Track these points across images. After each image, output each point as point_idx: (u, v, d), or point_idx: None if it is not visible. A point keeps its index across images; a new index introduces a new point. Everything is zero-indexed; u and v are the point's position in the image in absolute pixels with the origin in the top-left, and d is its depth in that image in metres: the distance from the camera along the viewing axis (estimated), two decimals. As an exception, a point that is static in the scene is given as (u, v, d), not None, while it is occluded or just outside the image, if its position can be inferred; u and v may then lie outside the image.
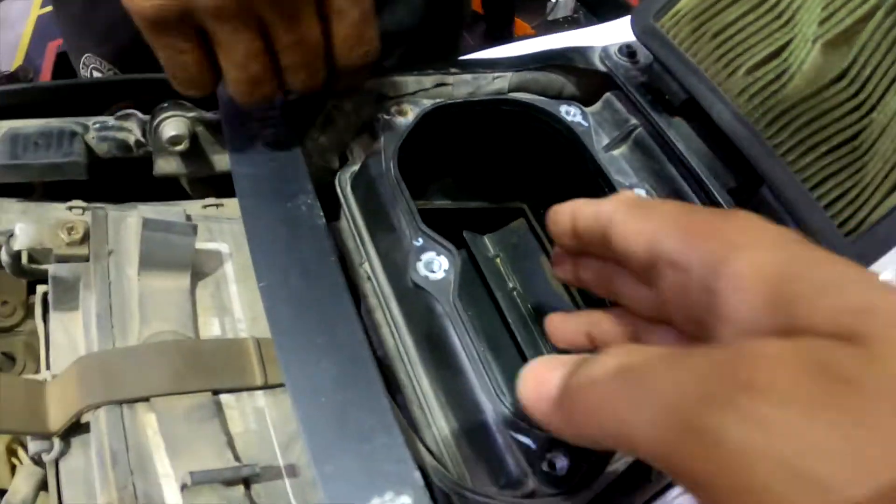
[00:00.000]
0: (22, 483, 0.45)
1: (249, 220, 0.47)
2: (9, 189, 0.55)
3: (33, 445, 0.44)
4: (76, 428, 0.44)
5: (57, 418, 0.43)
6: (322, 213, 0.48)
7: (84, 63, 0.76)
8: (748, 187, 0.50)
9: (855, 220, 0.47)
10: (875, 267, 0.48)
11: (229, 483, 0.41)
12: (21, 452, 0.47)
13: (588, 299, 0.65)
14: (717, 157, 0.52)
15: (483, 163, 0.61)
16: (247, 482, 0.41)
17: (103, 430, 0.41)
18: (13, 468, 0.47)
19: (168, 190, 0.60)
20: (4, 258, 0.48)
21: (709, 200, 0.51)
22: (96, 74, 0.75)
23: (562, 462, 0.43)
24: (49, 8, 2.99)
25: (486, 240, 0.66)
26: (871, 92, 0.49)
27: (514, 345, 0.62)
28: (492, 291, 0.62)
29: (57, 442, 0.43)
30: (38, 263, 0.50)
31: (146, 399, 0.42)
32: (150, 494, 0.40)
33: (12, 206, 0.54)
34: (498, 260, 0.65)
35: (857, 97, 0.49)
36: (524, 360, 0.63)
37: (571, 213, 0.33)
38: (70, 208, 0.55)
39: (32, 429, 0.43)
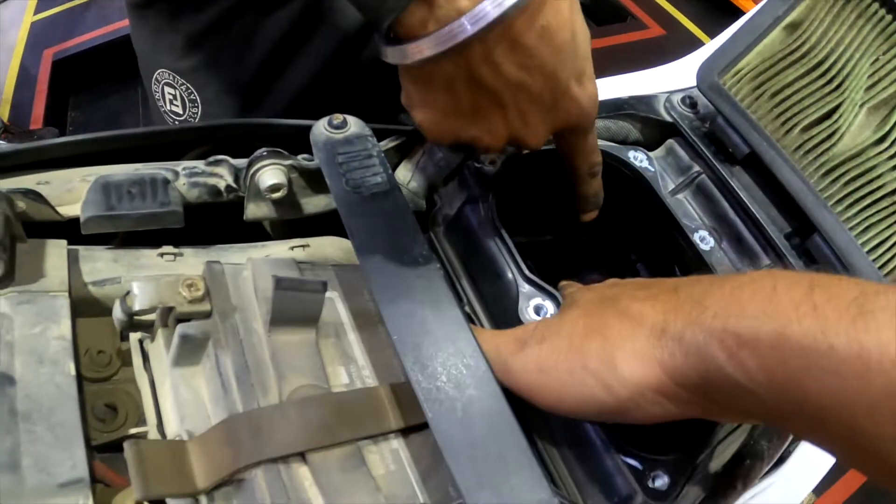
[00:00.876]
0: None
1: (374, 274, 0.51)
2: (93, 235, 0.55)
3: (173, 502, 0.47)
4: (220, 484, 0.47)
5: (205, 477, 0.46)
6: (439, 266, 0.53)
7: (157, 79, 0.74)
8: (802, 233, 0.60)
9: (893, 262, 0.59)
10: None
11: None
12: (147, 507, 0.50)
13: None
14: (775, 206, 0.61)
15: (551, 199, 0.67)
16: (398, 522, 0.47)
17: (264, 487, 0.45)
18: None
19: (245, 229, 0.62)
20: (120, 316, 0.50)
21: (767, 244, 0.60)
22: (168, 90, 0.73)
23: (662, 479, 0.52)
24: (44, 14, 2.72)
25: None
26: (908, 153, 0.59)
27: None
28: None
29: (204, 500, 0.47)
30: (145, 314, 0.52)
31: (302, 454, 0.47)
32: None
33: (102, 254, 0.55)
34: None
35: (896, 158, 0.60)
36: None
37: None
38: (162, 255, 0.56)
39: (181, 490, 0.46)
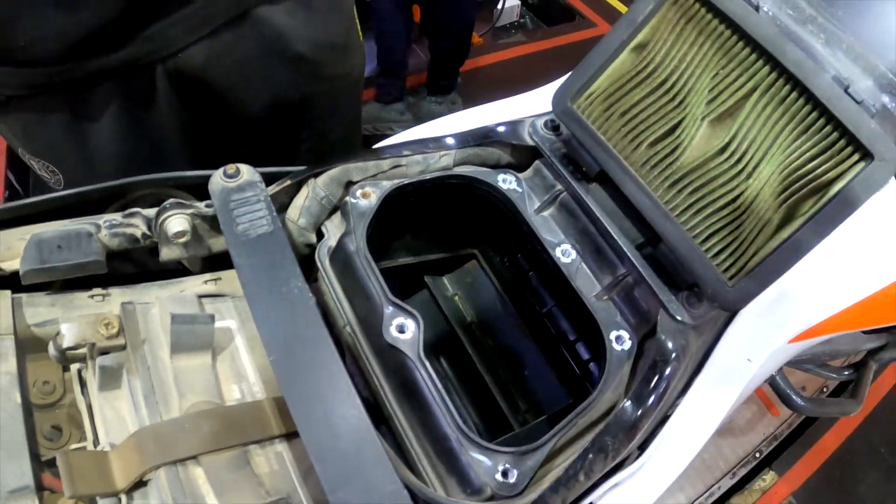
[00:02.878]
0: None
1: (255, 303, 0.66)
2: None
3: (101, 502, 0.64)
4: (136, 486, 0.64)
5: (121, 479, 0.63)
6: (311, 295, 0.67)
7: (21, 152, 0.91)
8: (652, 243, 0.71)
9: (736, 266, 0.69)
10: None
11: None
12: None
13: (538, 336, 0.86)
14: (628, 218, 0.72)
15: (438, 222, 0.80)
16: (278, 511, 0.62)
17: (165, 483, 0.61)
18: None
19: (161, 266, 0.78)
20: (53, 353, 0.67)
21: (616, 255, 0.71)
22: (32, 162, 0.89)
23: (512, 473, 0.65)
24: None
25: (445, 280, 0.86)
26: (748, 162, 0.69)
27: (475, 372, 0.83)
28: (453, 326, 0.83)
29: (124, 498, 0.63)
30: (76, 349, 0.69)
31: (195, 457, 0.62)
32: None
33: (42, 299, 0.72)
34: (456, 298, 0.86)
35: (736, 166, 0.69)
36: (484, 386, 0.84)
37: None
38: (92, 296, 0.73)
39: (103, 490, 0.62)
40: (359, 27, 1.03)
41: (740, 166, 0.68)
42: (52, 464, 0.69)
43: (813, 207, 0.66)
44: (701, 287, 0.68)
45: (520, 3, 3.03)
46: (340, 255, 0.72)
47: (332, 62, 0.97)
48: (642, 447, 0.72)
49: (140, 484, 0.64)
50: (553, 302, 0.83)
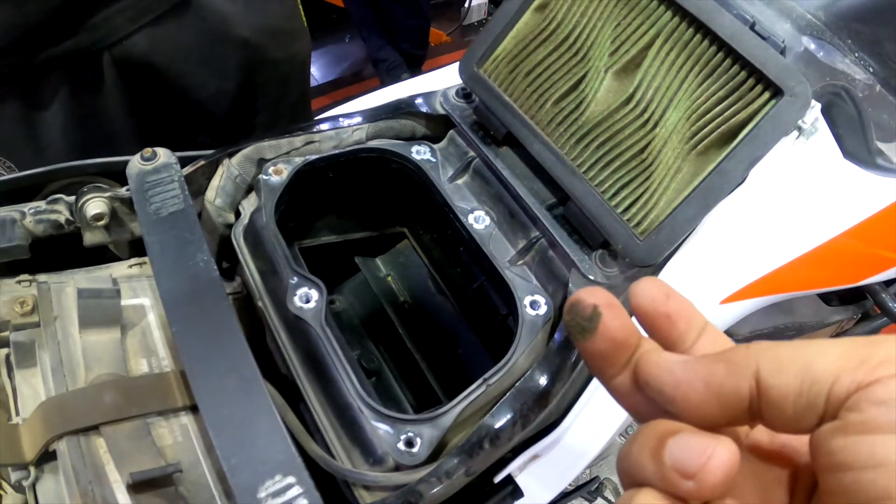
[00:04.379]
0: None
1: (161, 278, 0.69)
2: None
3: (14, 475, 0.68)
4: (47, 458, 0.67)
5: (30, 451, 0.67)
6: (216, 267, 0.70)
7: None
8: (563, 202, 0.71)
9: (647, 220, 0.68)
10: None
11: (162, 481, 0.63)
12: (4, 484, 0.71)
13: (470, 313, 0.86)
14: (538, 180, 0.73)
15: (361, 199, 0.82)
16: (176, 480, 0.64)
17: (66, 453, 0.64)
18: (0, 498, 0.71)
19: (98, 254, 0.83)
20: (-31, 329, 0.72)
21: (529, 218, 0.72)
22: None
23: (416, 438, 0.65)
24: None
25: (378, 261, 0.87)
26: (654, 110, 0.69)
27: (407, 349, 0.84)
28: (385, 306, 0.84)
29: (32, 470, 0.67)
30: (0, 332, 0.74)
31: (96, 427, 0.65)
32: (106, 497, 0.63)
33: (-30, 287, 0.78)
34: (389, 278, 0.87)
35: (642, 116, 0.69)
36: (415, 363, 0.84)
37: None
38: (19, 282, 0.78)
39: (12, 461, 0.66)
40: (303, 14, 1.09)
41: (646, 115, 0.68)
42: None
43: (723, 151, 0.65)
44: (612, 243, 0.67)
45: (487, 1, 3.12)
46: (252, 231, 0.75)
47: (276, 46, 1.03)
48: (564, 415, 0.71)
49: (48, 455, 0.67)
50: (483, 277, 0.83)
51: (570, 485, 0.99)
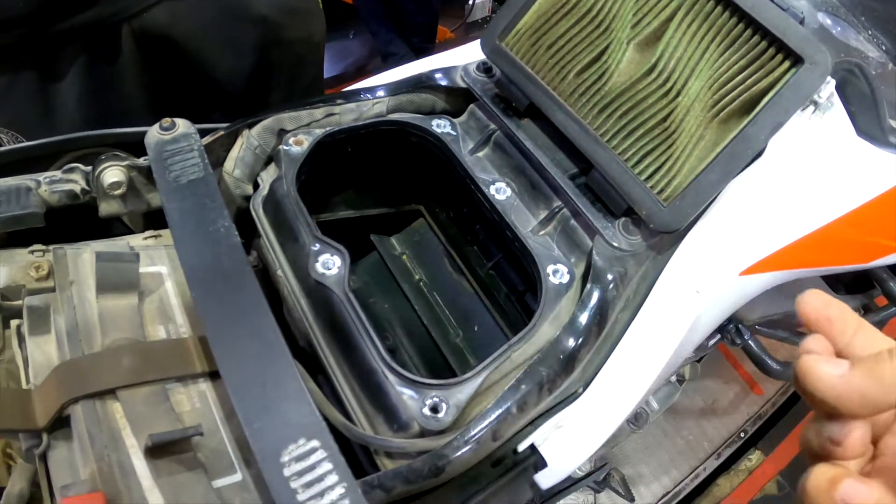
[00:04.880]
0: (17, 478, 0.66)
1: (181, 244, 0.68)
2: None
3: (25, 443, 0.65)
4: (60, 424, 0.65)
5: (43, 416, 0.64)
6: (237, 233, 0.69)
7: None
8: (585, 171, 0.71)
9: (670, 187, 0.68)
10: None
11: (181, 446, 0.62)
12: (15, 454, 0.68)
13: (487, 291, 0.86)
14: (560, 149, 0.73)
15: (379, 174, 0.82)
16: (195, 446, 0.62)
17: (81, 417, 0.62)
18: (9, 468, 0.68)
19: (111, 230, 0.81)
20: (-17, 295, 0.70)
21: (551, 188, 0.72)
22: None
23: (441, 407, 0.64)
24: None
25: (393, 240, 0.87)
26: (676, 80, 0.70)
27: (423, 327, 0.83)
28: (400, 285, 0.84)
29: (45, 437, 0.64)
30: (12, 301, 0.72)
31: (113, 391, 0.63)
32: (122, 462, 0.60)
33: (-19, 255, 0.76)
34: (404, 257, 0.87)
35: (664, 86, 0.70)
36: (431, 341, 0.83)
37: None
38: (32, 251, 0.76)
39: (24, 426, 0.64)
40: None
41: (668, 85, 0.69)
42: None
43: (745, 119, 0.66)
44: (636, 210, 0.68)
45: (491, -1, 3.15)
46: (272, 201, 0.74)
47: (293, 26, 1.03)
48: (587, 385, 0.70)
49: (61, 421, 0.65)
50: (500, 254, 0.83)
51: (579, 469, 0.97)
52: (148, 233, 0.79)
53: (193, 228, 0.70)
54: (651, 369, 0.69)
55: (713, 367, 1.57)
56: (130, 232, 0.83)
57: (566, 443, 0.69)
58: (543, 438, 0.69)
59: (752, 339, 0.97)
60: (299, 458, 0.60)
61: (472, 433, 0.63)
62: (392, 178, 0.83)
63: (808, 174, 0.74)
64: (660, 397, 1.07)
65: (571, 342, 0.66)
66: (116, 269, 0.68)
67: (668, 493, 1.39)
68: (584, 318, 0.66)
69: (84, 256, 0.72)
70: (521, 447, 0.68)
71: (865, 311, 1.15)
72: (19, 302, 0.74)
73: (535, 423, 0.68)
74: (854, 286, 1.05)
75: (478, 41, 0.82)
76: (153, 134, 0.77)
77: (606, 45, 0.71)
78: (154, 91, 0.97)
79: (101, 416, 0.63)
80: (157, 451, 0.62)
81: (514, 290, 0.83)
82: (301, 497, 0.59)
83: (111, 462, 0.61)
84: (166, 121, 0.77)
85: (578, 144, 0.70)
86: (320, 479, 0.60)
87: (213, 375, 0.68)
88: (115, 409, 0.64)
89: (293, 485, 0.59)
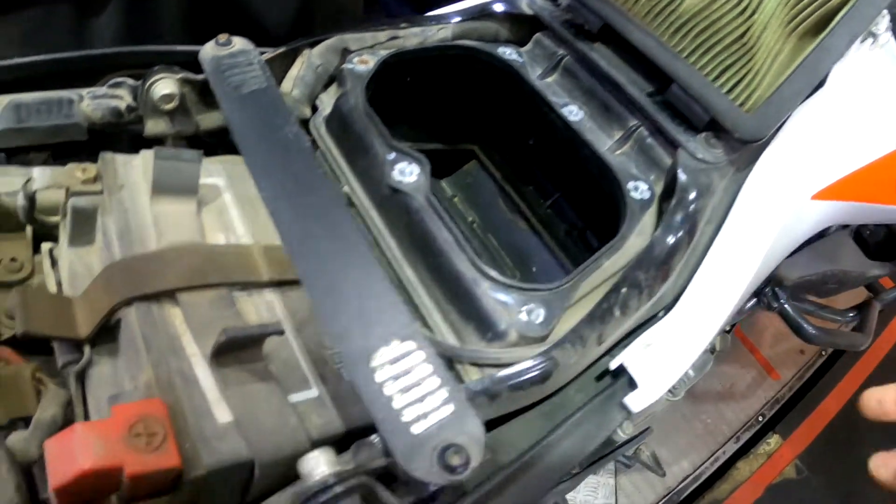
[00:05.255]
0: (49, 403, 0.56)
1: (247, 149, 0.61)
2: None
3: (62, 357, 0.55)
4: (102, 338, 0.56)
5: (86, 325, 0.55)
6: (307, 139, 0.63)
7: None
8: (662, 88, 0.69)
9: (752, 99, 0.66)
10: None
11: (250, 355, 0.53)
12: (46, 379, 0.58)
13: (544, 230, 0.82)
14: (634, 69, 0.70)
15: (435, 108, 0.78)
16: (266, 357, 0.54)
17: (135, 321, 0.53)
18: (38, 394, 0.58)
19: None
20: (21, 202, 0.60)
21: (632, 106, 0.69)
22: None
23: (538, 310, 0.58)
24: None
25: (444, 183, 0.82)
26: (749, 0, 0.69)
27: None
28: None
29: (87, 349, 0.55)
30: (48, 217, 0.64)
31: (172, 294, 0.55)
32: (182, 370, 0.51)
33: (15, 170, 0.67)
34: (455, 199, 0.82)
35: (739, 5, 0.69)
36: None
37: None
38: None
39: (62, 333, 0.54)
40: None
41: (743, 4, 0.68)
42: (9, 342, 0.61)
43: (822, 31, 0.66)
44: (720, 120, 0.65)
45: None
46: (337, 117, 0.69)
47: None
48: (669, 308, 0.65)
49: (104, 334, 0.55)
50: (558, 192, 0.79)
51: (622, 432, 0.91)
52: (196, 156, 0.72)
53: (260, 135, 0.64)
54: (737, 285, 0.65)
55: (730, 352, 1.55)
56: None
57: (656, 362, 0.64)
58: (633, 358, 0.64)
59: (788, 304, 0.95)
60: (393, 361, 0.53)
61: (580, 334, 0.57)
62: (448, 113, 0.78)
63: (866, 105, 0.74)
64: (696, 364, 1.03)
65: (665, 248, 0.61)
66: (176, 169, 0.60)
67: (688, 476, 1.32)
68: (674, 227, 0.62)
69: (134, 163, 0.64)
70: (613, 365, 0.63)
71: (872, 292, 1.15)
72: (55, 218, 0.65)
73: (625, 342, 0.63)
74: (887, 253, 1.05)
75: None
76: (209, 49, 0.71)
77: (681, -35, 0.71)
78: (194, 30, 0.91)
79: (158, 320, 0.55)
80: (224, 359, 0.53)
81: (573, 227, 0.79)
82: (397, 403, 0.51)
83: (170, 369, 0.51)
84: (222, 37, 0.71)
85: (658, 61, 0.68)
86: (418, 383, 0.52)
87: (281, 284, 0.61)
88: (174, 314, 0.55)
89: (387, 391, 0.51)
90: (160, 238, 0.58)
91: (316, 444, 0.50)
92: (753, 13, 0.66)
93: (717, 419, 1.44)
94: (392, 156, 0.62)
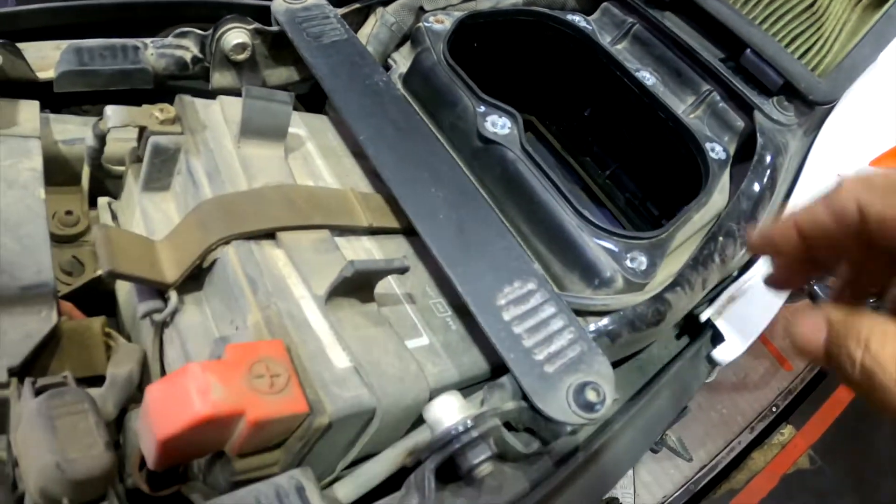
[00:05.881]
0: (124, 359, 0.49)
1: (338, 95, 0.57)
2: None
3: (143, 306, 0.49)
4: (188, 286, 0.50)
5: (172, 270, 0.49)
6: (399, 87, 0.59)
7: None
8: (735, 54, 0.69)
9: (822, 64, 0.66)
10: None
11: (363, 293, 0.48)
12: (114, 334, 0.51)
13: (612, 198, 0.80)
14: (705, 36, 0.70)
15: (496, 76, 0.75)
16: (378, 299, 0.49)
17: (235, 262, 0.48)
18: (108, 350, 0.51)
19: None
20: (90, 142, 0.54)
21: (705, 71, 0.69)
22: None
23: (640, 258, 0.56)
24: None
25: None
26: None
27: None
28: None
29: (174, 295, 0.49)
30: (113, 167, 0.57)
31: (272, 234, 0.50)
32: (292, 312, 0.46)
33: (73, 118, 0.60)
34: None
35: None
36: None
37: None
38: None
39: (149, 275, 0.47)
40: None
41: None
42: (67, 298, 0.53)
43: (886, 4, 0.67)
44: (794, 84, 0.65)
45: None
46: (417, 73, 0.65)
47: None
48: (745, 267, 0.64)
49: (191, 279, 0.49)
50: (616, 164, 0.78)
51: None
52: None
53: (347, 81, 0.59)
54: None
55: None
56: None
57: (739, 317, 0.62)
58: (718, 313, 0.62)
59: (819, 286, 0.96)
60: (517, 302, 0.49)
61: (687, 277, 0.55)
62: (508, 83, 0.76)
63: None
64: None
65: (753, 201, 0.60)
66: (267, 110, 0.55)
67: (704, 466, 1.31)
68: (758, 180, 0.61)
69: (214, 107, 0.58)
70: (704, 317, 0.61)
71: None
72: (120, 168, 0.58)
73: (711, 295, 0.61)
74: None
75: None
76: (280, 3, 0.67)
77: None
78: None
79: (261, 260, 0.49)
80: (338, 300, 0.48)
81: (635, 195, 0.77)
82: (527, 343, 0.47)
83: (279, 311, 0.46)
84: (294, -9, 0.68)
85: (732, 26, 0.67)
86: (545, 322, 0.48)
87: (377, 232, 0.56)
88: (276, 255, 0.50)
89: (515, 329, 0.47)
90: (251, 181, 0.52)
91: (433, 394, 0.46)
92: (822, -16, 0.67)
93: (732, 409, 1.44)
94: (483, 108, 0.59)
